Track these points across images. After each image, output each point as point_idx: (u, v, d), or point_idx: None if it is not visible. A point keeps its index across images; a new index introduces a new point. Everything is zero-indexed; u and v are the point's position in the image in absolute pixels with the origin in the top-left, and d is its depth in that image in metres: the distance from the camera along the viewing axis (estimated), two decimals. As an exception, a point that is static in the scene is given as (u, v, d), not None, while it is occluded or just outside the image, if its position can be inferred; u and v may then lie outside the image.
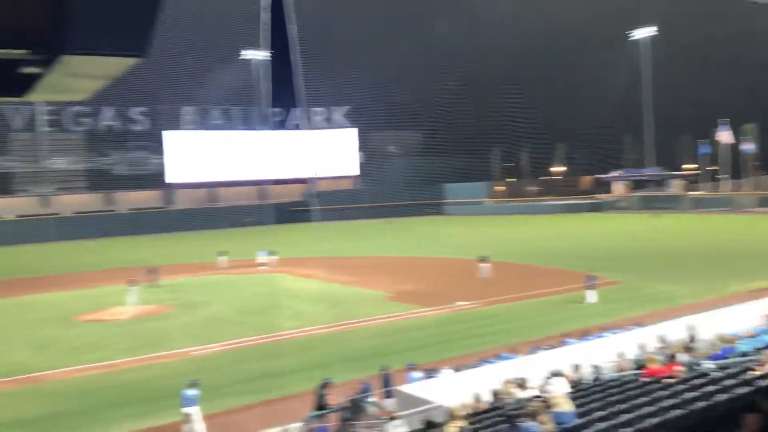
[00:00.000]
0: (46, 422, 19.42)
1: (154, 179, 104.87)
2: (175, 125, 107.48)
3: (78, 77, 1.68)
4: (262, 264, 51.31)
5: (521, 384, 14.88)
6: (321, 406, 17.20)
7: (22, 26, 1.44)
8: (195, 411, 17.49)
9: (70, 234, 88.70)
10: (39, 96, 1.81)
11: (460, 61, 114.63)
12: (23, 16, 1.45)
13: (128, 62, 1.58)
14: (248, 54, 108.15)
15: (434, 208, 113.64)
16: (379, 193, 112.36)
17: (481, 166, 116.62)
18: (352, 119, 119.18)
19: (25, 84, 1.68)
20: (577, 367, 16.41)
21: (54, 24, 1.43)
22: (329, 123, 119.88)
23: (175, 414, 18.28)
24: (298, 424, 15.24)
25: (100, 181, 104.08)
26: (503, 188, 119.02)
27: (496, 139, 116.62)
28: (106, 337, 30.48)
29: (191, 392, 17.59)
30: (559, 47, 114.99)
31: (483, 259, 42.06)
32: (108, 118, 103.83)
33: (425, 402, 14.03)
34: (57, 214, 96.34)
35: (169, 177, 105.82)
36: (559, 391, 12.74)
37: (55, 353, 27.88)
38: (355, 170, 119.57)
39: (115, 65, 1.59)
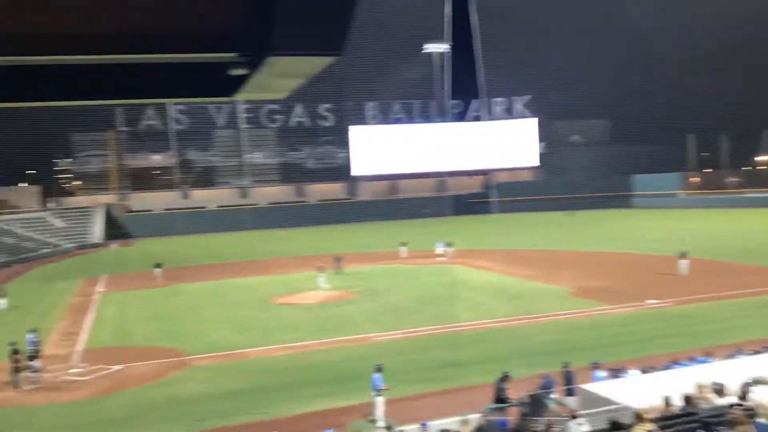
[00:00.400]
0: (250, 395, 21.15)
1: (341, 172, 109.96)
2: (360, 120, 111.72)
3: (281, 77, 1.81)
4: (440, 255, 51.93)
5: (719, 390, 13.74)
6: (500, 399, 17.08)
7: (232, 31, 1.59)
8: (378, 397, 18.15)
9: (265, 223, 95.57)
10: (245, 95, 1.97)
11: (651, 43, 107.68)
12: (233, 22, 1.59)
13: (326, 61, 1.68)
14: (430, 48, 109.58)
15: (621, 200, 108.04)
16: (562, 185, 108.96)
17: (675, 156, 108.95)
18: (533, 109, 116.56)
19: (234, 85, 1.84)
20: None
21: (262, 28, 1.55)
22: (509, 113, 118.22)
23: (360, 396, 19.15)
24: (477, 416, 15.25)
25: (292, 174, 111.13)
26: (699, 179, 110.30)
27: (691, 127, 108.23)
28: (297, 319, 32.54)
29: (377, 376, 18.27)
30: (765, 26, 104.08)
31: (683, 255, 39.35)
32: (298, 115, 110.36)
33: (610, 402, 13.42)
34: (254, 204, 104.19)
35: (354, 170, 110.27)
36: (764, 399, 11.61)
37: (252, 333, 30.27)
38: (536, 161, 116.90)
39: (314, 64, 1.69)
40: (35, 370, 23.69)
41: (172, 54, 1.53)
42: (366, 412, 18.39)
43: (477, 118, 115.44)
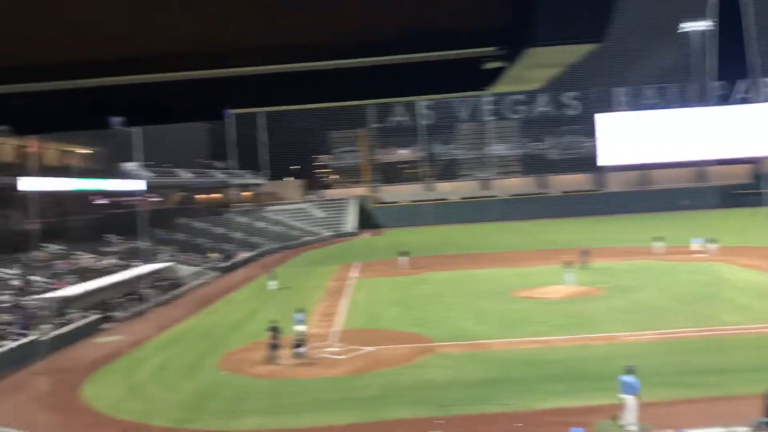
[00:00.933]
0: (492, 386, 21.37)
1: (586, 162, 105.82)
2: (607, 107, 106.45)
3: (537, 68, 1.77)
4: (699, 252, 47.63)
5: None
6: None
7: (490, 26, 1.59)
8: (630, 399, 17.17)
9: (507, 215, 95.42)
10: (498, 89, 1.97)
11: None
12: (494, 15, 1.59)
13: (587, 49, 1.62)
14: (687, 26, 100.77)
15: None
16: None
17: None
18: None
19: (488, 79, 1.85)
20: None
21: (522, 19, 1.54)
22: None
23: (603, 396, 18.34)
24: (745, 428, 13.80)
25: (534, 165, 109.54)
26: None
27: None
28: (538, 313, 32.06)
29: (628, 378, 17.30)
30: None
31: None
32: (542, 104, 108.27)
33: None
34: (495, 196, 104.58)
35: (601, 160, 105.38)
36: None
37: (493, 324, 30.46)
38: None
39: (574, 53, 1.63)
40: (299, 346, 26.21)
41: (435, 52, 1.58)
42: (611, 413, 17.55)
43: (745, 101, 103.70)
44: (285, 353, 25.99)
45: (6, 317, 32.08)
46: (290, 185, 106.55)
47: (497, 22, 1.57)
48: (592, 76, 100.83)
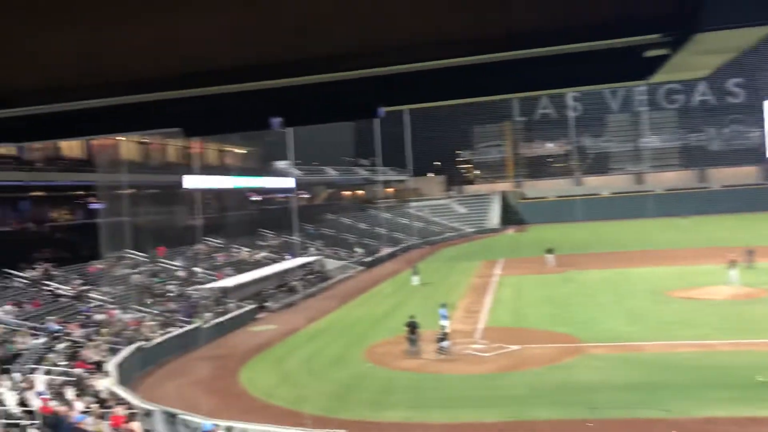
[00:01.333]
0: (647, 390, 20.31)
1: (751, 154, 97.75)
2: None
3: (706, 54, 1.63)
4: None
5: None
6: None
7: (656, 11, 1.48)
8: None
9: (662, 210, 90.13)
10: (660, 77, 1.83)
11: None
12: (658, 0, 1.48)
13: (766, 31, 1.45)
14: None
15: None
16: None
17: None
18: None
19: (649, 67, 1.72)
20: None
21: (690, 2, 1.41)
22: None
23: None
24: None
25: (693, 157, 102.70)
26: None
27: None
28: (699, 315, 30.04)
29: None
30: None
31: None
32: (702, 92, 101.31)
33: None
34: (650, 191, 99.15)
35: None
36: None
37: (647, 325, 28.90)
38: None
39: (751, 36, 1.47)
40: (442, 340, 26.33)
41: (596, 42, 1.50)
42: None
43: None
44: (428, 348, 26.22)
45: (173, 305, 34.84)
46: (432, 181, 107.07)
47: (663, 7, 1.46)
48: (761, 59, 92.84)
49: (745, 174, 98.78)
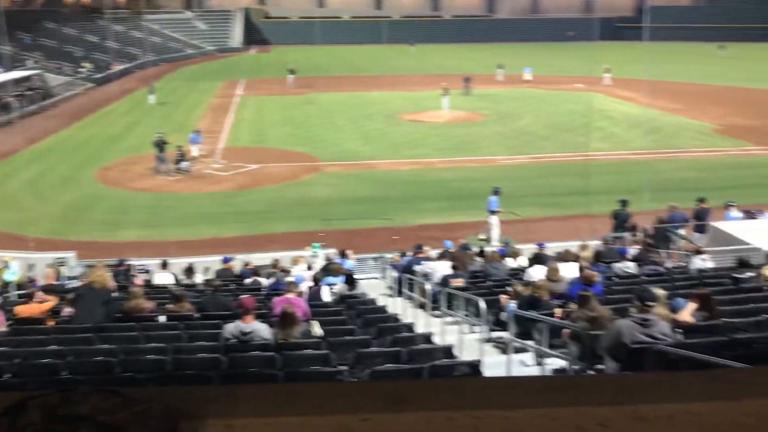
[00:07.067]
0: (375, 203, 22.22)
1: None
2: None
3: None
4: (528, 81, 48.97)
5: None
6: (621, 228, 16.99)
7: None
8: (494, 217, 18.60)
9: (396, 37, 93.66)
10: None
11: None
12: None
13: None
14: None
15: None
16: (722, 13, 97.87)
17: None
18: None
19: None
20: None
21: None
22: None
23: (475, 214, 19.68)
24: (597, 242, 15.25)
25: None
26: None
27: None
28: (423, 136, 32.82)
29: (494, 198, 18.63)
30: None
31: None
32: None
33: (741, 242, 12.94)
34: (388, 17, 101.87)
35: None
36: None
37: (380, 145, 31.00)
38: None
39: None
40: (181, 161, 25.80)
41: None
42: (479, 229, 18.99)
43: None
44: (167, 168, 25.60)
45: None
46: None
47: None
48: None
49: (473, 5, 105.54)
